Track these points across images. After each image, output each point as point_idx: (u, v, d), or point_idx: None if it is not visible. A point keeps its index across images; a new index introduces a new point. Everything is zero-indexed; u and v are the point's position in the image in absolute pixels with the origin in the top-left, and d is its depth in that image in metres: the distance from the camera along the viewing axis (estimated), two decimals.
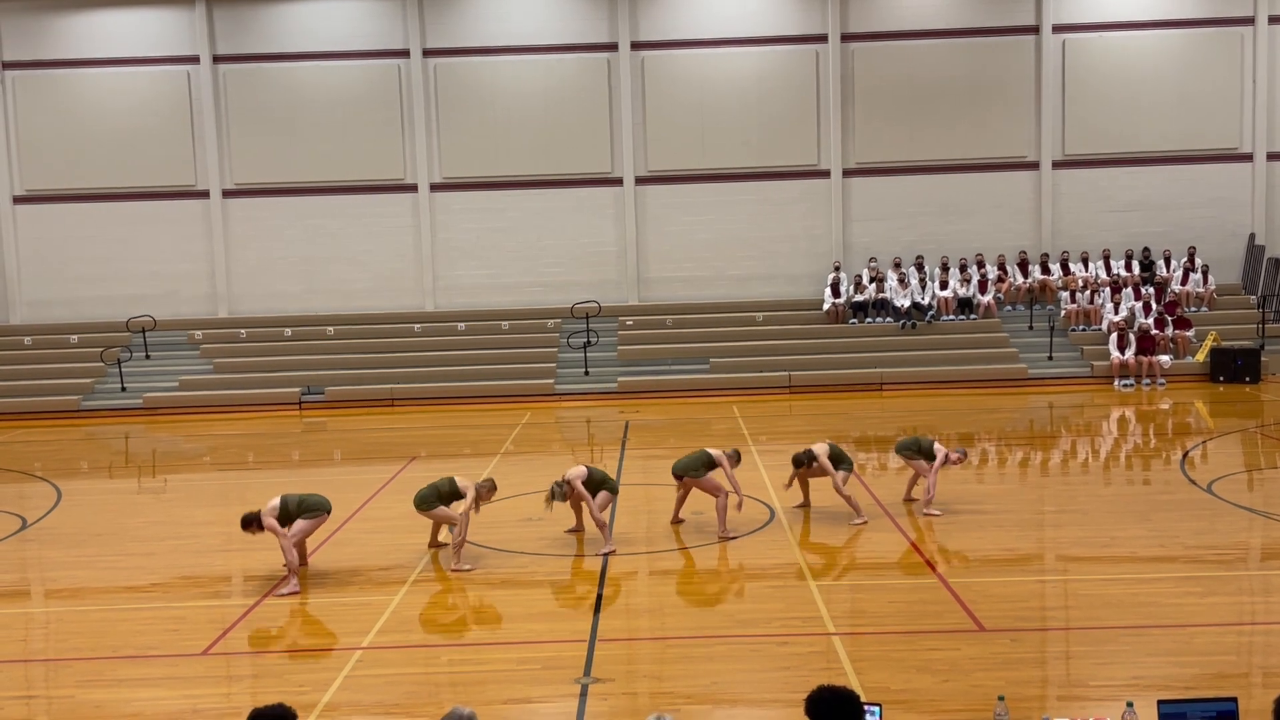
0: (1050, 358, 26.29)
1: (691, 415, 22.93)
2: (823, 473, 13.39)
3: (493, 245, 29.15)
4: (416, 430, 21.68)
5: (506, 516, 13.93)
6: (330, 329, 28.38)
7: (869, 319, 27.88)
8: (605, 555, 12.09)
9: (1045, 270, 28.22)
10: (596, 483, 12.44)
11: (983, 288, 27.91)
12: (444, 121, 28.92)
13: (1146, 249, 28.62)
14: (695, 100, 28.74)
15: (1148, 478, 16.32)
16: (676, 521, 13.44)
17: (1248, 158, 28.61)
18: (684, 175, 29.01)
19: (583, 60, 28.84)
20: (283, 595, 11.02)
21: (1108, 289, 27.33)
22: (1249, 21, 28.25)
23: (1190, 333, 26.17)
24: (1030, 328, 27.41)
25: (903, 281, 28.05)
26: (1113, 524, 12.92)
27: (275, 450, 20.74)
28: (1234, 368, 25.08)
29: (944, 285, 27.86)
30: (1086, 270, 28.22)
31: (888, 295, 27.90)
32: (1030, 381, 25.56)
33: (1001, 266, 28.39)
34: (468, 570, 11.66)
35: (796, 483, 14.00)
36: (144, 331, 27.88)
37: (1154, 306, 26.62)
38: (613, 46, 28.66)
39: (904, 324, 27.44)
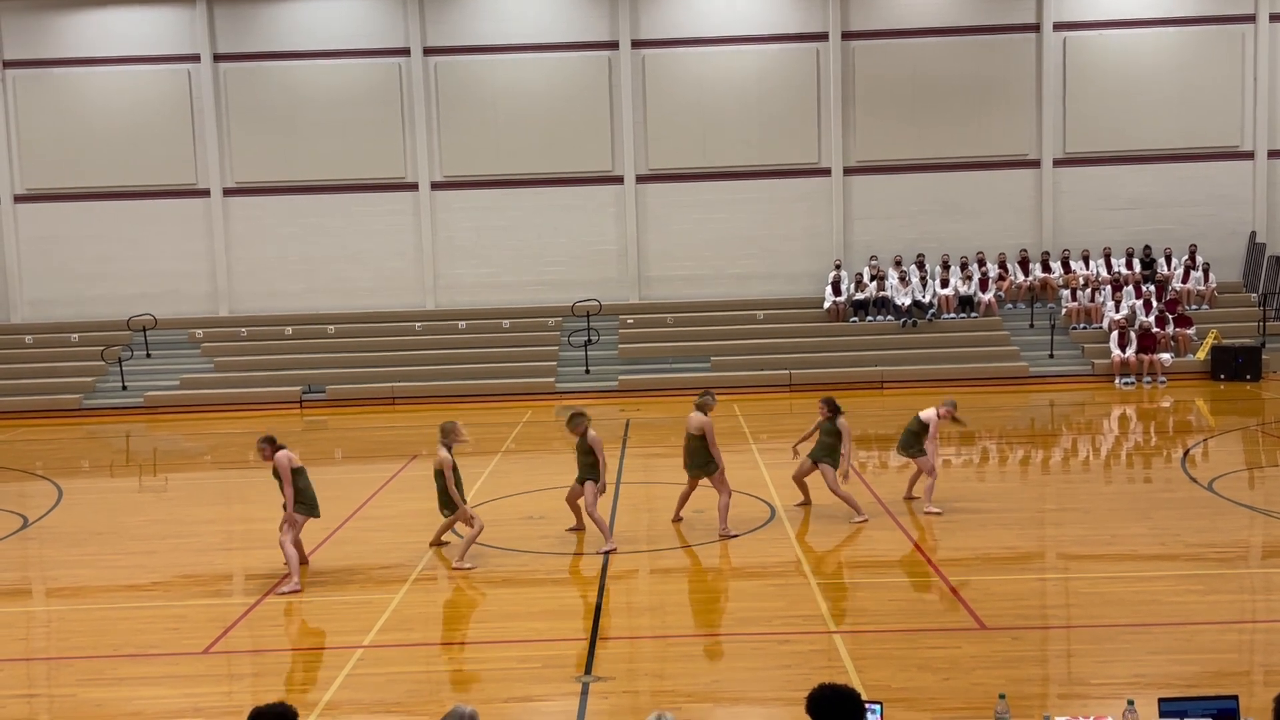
0: (1051, 356, 26.28)
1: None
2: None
3: (493, 244, 29.15)
4: (417, 429, 21.67)
5: (508, 515, 13.92)
6: (331, 328, 28.37)
7: (870, 317, 27.87)
8: (606, 554, 12.08)
9: (1046, 268, 28.21)
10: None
11: (984, 286, 27.90)
12: (445, 120, 28.91)
13: (1147, 247, 28.60)
14: (696, 99, 28.72)
15: (1149, 476, 16.32)
16: (677, 520, 13.44)
17: (1249, 155, 28.59)
18: (685, 174, 29.00)
19: (583, 59, 28.83)
20: (284, 594, 11.02)
21: (1108, 287, 27.31)
22: (1250, 19, 28.23)
23: (1191, 331, 26.16)
24: (1031, 326, 27.40)
25: (903, 280, 28.04)
26: (1114, 522, 12.92)
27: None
28: (1235, 365, 25.07)
29: (945, 283, 27.84)
30: (1087, 268, 28.21)
31: (888, 293, 27.89)
32: (1031, 380, 25.56)
33: (1002, 264, 28.38)
34: (469, 569, 11.67)
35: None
36: (145, 330, 27.89)
37: (1155, 304, 26.60)
38: (613, 45, 28.65)
39: (905, 322, 27.43)
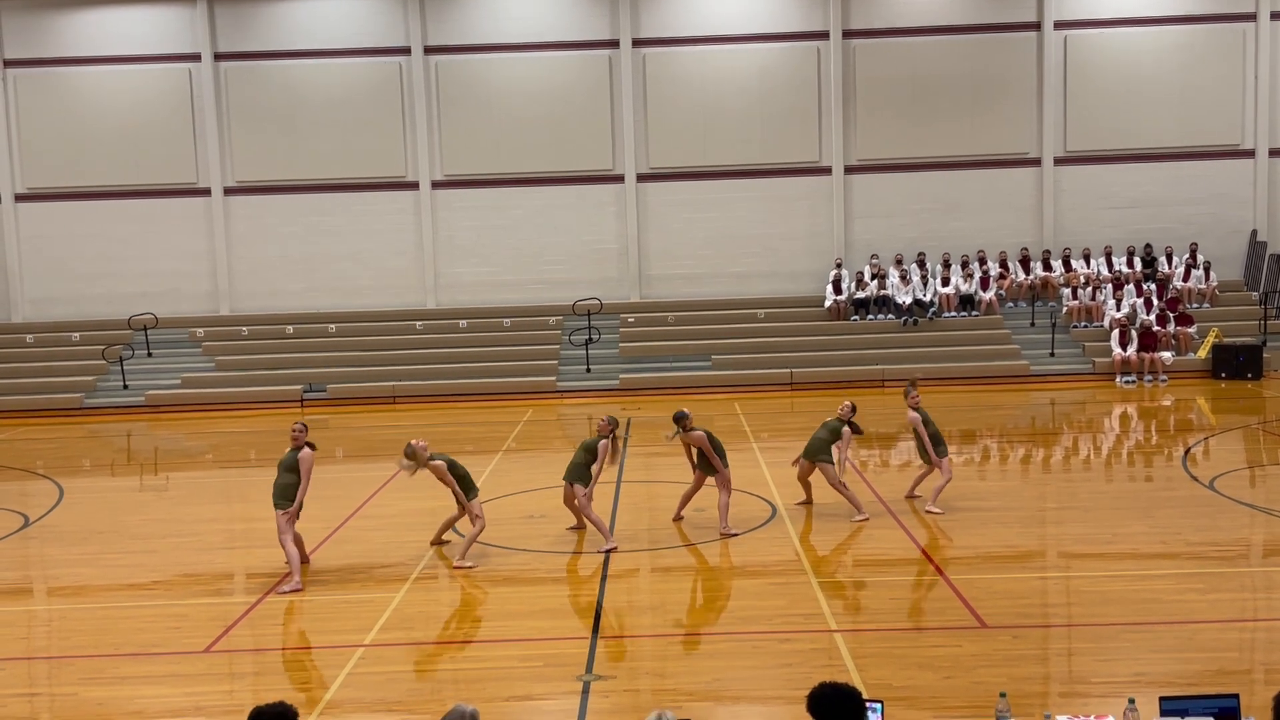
0: (1052, 354, 26.27)
1: (693, 412, 22.84)
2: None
3: (494, 242, 29.14)
4: (418, 428, 21.63)
5: (508, 514, 13.93)
6: (332, 326, 28.37)
7: (871, 316, 27.86)
8: (607, 552, 12.09)
9: (1047, 267, 28.19)
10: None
11: (984, 284, 27.88)
12: (445, 119, 28.90)
13: (1148, 245, 28.58)
14: (697, 97, 28.70)
15: (1150, 474, 16.32)
16: (678, 519, 13.44)
17: (1249, 154, 28.56)
18: (685, 172, 28.98)
19: (584, 57, 28.82)
20: (285, 592, 11.02)
21: (1109, 285, 27.29)
22: (1250, 17, 28.20)
23: (1192, 329, 26.14)
24: (1032, 324, 27.39)
25: (904, 278, 28.03)
26: (1115, 520, 12.92)
27: (277, 448, 20.64)
28: (1236, 364, 25.05)
29: (945, 282, 27.83)
30: (1088, 266, 28.19)
31: (889, 292, 27.87)
32: (1032, 378, 25.55)
33: (1003, 263, 28.36)
34: (470, 568, 11.67)
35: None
36: (146, 329, 27.88)
37: (1156, 303, 26.59)
38: (614, 43, 28.64)
39: (906, 321, 27.42)
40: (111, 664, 9.28)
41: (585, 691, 8.32)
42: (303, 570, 11.42)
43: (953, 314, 27.63)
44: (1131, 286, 27.02)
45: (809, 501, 13.97)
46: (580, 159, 28.90)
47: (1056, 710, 7.24)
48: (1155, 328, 25.69)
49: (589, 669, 8.77)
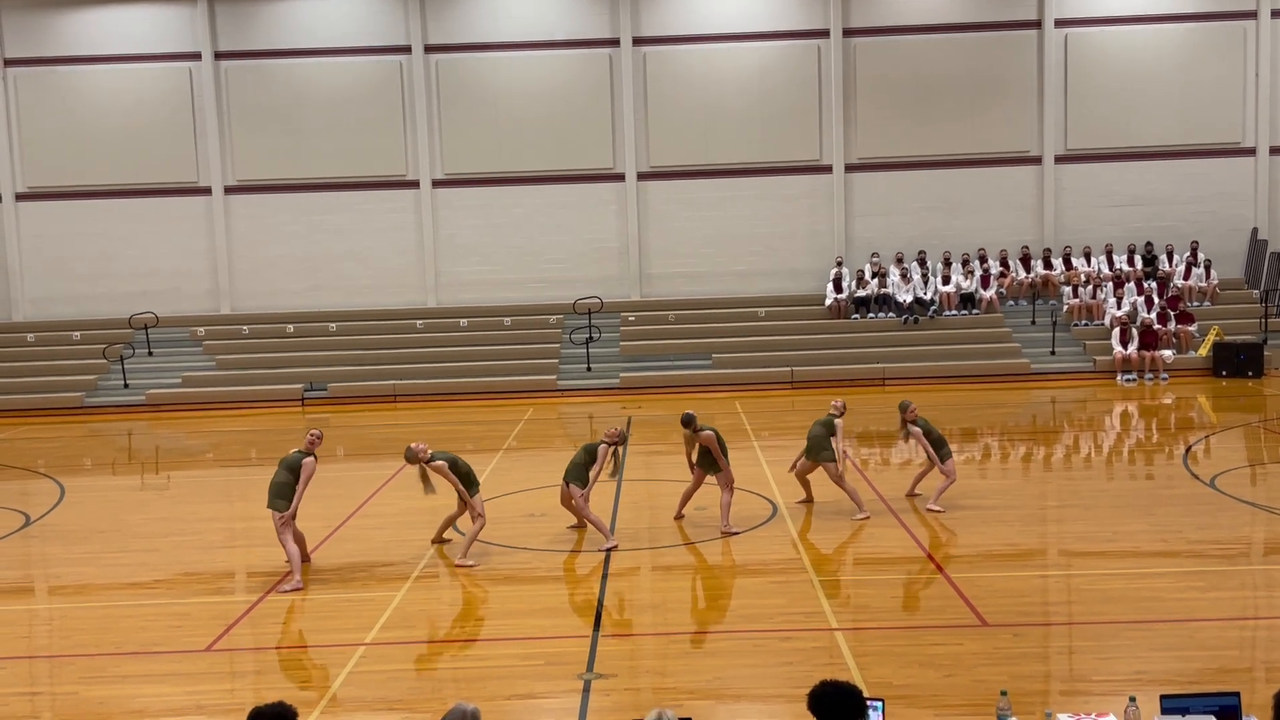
0: (1053, 352, 26.27)
1: (694, 411, 22.87)
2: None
3: (495, 241, 29.14)
4: (419, 426, 21.67)
5: (509, 512, 13.93)
6: (333, 325, 28.38)
7: (871, 314, 27.86)
8: (608, 551, 12.09)
9: (1048, 265, 28.18)
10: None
11: (985, 282, 27.87)
12: (446, 117, 28.90)
13: (1149, 243, 28.57)
14: (697, 96, 28.70)
15: (1150, 472, 16.31)
16: (679, 517, 13.45)
17: (1250, 152, 28.55)
18: (686, 171, 28.98)
19: (585, 56, 28.82)
20: (286, 591, 11.03)
21: (1110, 284, 27.29)
22: (1251, 15, 28.19)
23: (1193, 327, 26.13)
24: (1033, 322, 27.38)
25: (905, 276, 28.02)
26: (1115, 519, 12.92)
27: (278, 446, 20.69)
28: (1237, 362, 25.05)
29: (946, 280, 27.82)
30: (1089, 265, 28.17)
31: (890, 290, 27.87)
32: (1033, 376, 25.55)
33: (1004, 261, 28.35)
34: (472, 566, 11.67)
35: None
36: (146, 328, 27.89)
37: (1156, 301, 26.58)
38: (614, 42, 28.63)
39: (906, 319, 27.41)
40: (112, 663, 9.29)
41: (586, 690, 8.33)
42: (304, 569, 11.41)
43: (953, 312, 27.62)
44: (1132, 285, 27.02)
45: (809, 500, 13.98)
46: (581, 158, 28.89)
47: (1057, 708, 7.23)
48: (1156, 326, 25.69)
49: (590, 667, 8.77)
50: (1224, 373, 25.10)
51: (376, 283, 29.10)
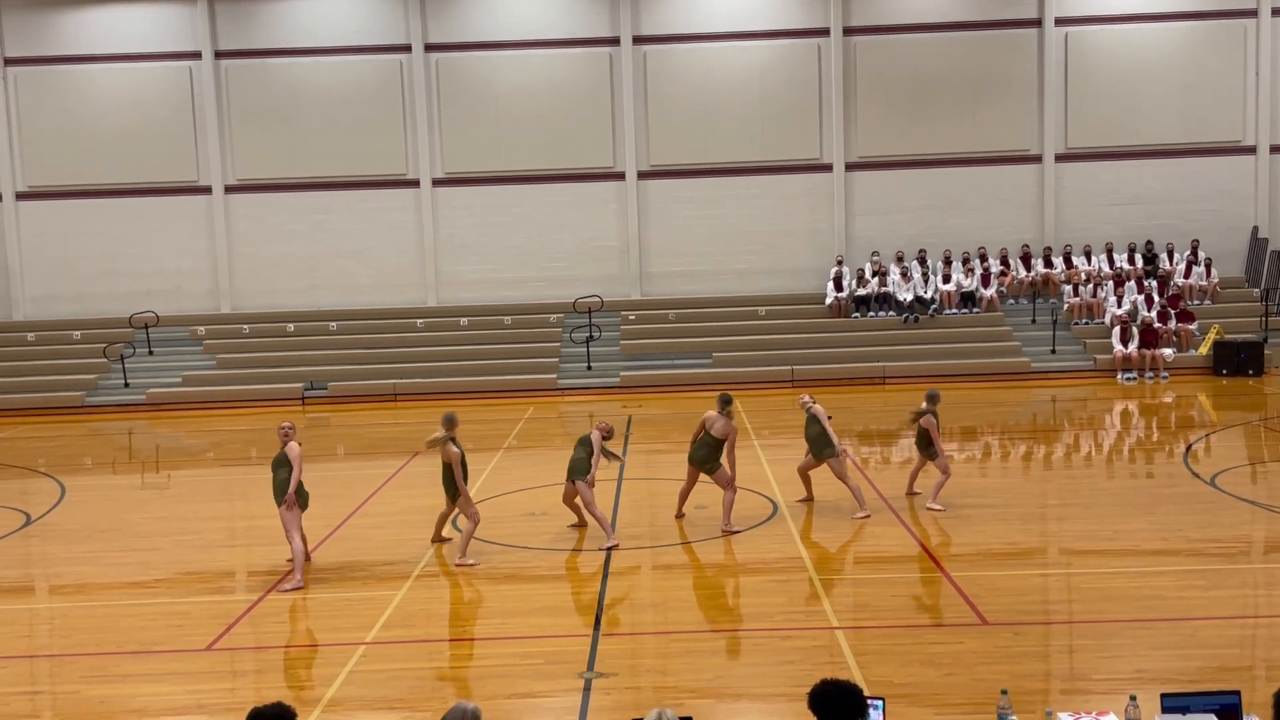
0: (1053, 351, 26.26)
1: (694, 409, 22.74)
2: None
3: (495, 240, 29.14)
4: (419, 425, 21.63)
5: (509, 511, 13.93)
6: (333, 324, 28.37)
7: (871, 313, 27.85)
8: (608, 550, 12.09)
9: (1048, 264, 28.17)
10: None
11: (985, 281, 27.87)
12: (446, 116, 28.89)
13: (1149, 242, 28.56)
14: (697, 95, 28.69)
15: (1151, 471, 16.31)
16: (680, 516, 13.45)
17: (1251, 150, 28.54)
18: (686, 170, 28.97)
19: (585, 55, 28.81)
20: (286, 590, 11.03)
21: (1110, 282, 27.28)
22: (1252, 14, 28.17)
23: (1193, 326, 26.13)
24: (1033, 321, 27.38)
25: (905, 275, 28.01)
26: (1116, 517, 12.92)
27: (278, 446, 20.72)
28: (1237, 361, 25.05)
29: (946, 279, 27.82)
30: (1089, 263, 28.16)
31: (890, 289, 27.86)
32: (1033, 375, 25.54)
33: (1004, 260, 28.34)
34: (472, 565, 11.67)
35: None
36: (147, 327, 27.89)
37: (1157, 300, 26.58)
38: (614, 41, 28.62)
39: (906, 318, 27.41)
40: (113, 662, 9.29)
41: (587, 689, 8.33)
42: (304, 568, 11.41)
43: (954, 311, 27.62)
44: (1132, 283, 27.01)
45: (810, 499, 13.99)
46: (581, 156, 28.89)
47: (1058, 707, 7.23)
48: (1156, 324, 25.69)
49: (590, 666, 8.77)
50: (1224, 371, 25.10)
51: (377, 282, 29.10)
